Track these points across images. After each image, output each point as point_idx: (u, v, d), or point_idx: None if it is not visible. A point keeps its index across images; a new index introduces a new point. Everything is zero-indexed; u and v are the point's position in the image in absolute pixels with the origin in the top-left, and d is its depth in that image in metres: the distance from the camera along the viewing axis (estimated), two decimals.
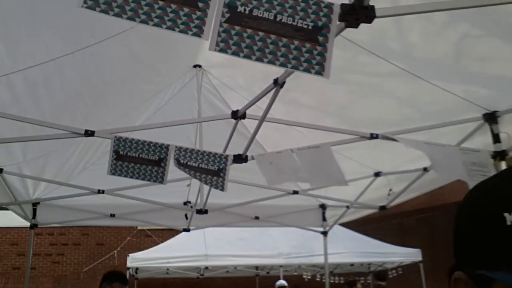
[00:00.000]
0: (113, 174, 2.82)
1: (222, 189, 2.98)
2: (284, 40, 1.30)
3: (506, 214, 0.55)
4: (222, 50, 1.28)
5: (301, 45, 1.30)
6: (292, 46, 1.30)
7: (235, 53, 1.29)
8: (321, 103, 3.39)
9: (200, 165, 2.93)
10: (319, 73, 1.30)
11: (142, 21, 1.28)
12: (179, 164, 2.87)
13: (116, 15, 1.26)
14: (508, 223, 0.55)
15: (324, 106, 3.43)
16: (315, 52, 1.31)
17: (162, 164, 2.87)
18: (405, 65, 2.70)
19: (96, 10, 1.26)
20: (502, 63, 2.61)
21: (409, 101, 3.20)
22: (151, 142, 2.85)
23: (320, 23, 1.30)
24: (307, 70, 1.31)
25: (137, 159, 2.83)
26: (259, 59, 1.30)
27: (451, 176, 3.17)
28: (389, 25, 2.33)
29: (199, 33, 1.30)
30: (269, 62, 1.31)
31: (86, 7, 1.25)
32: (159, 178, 2.88)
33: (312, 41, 1.30)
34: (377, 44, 2.55)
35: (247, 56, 1.30)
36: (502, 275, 0.54)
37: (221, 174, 2.97)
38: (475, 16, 2.14)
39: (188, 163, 2.89)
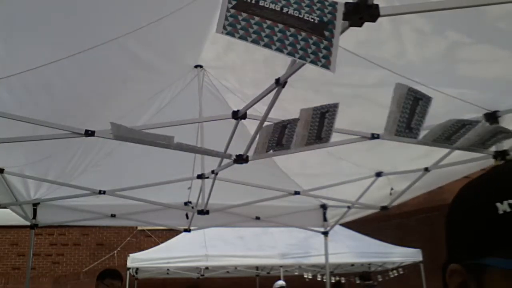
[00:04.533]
0: (117, 139, 2.77)
1: None
2: (292, 30, 1.30)
3: (498, 204, 0.59)
4: (229, 33, 1.28)
5: (308, 36, 1.30)
6: (300, 37, 1.30)
7: (242, 37, 1.29)
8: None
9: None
10: (326, 66, 1.30)
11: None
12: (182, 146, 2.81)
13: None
14: (500, 212, 0.58)
15: None
16: (321, 46, 1.30)
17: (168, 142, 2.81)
18: (396, 70, 2.69)
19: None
20: (494, 66, 2.61)
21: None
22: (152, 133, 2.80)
23: (325, 19, 1.30)
24: (314, 62, 1.30)
25: (140, 140, 2.79)
26: (267, 46, 1.30)
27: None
28: (376, 34, 2.33)
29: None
30: (277, 49, 1.30)
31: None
32: (166, 144, 2.81)
33: (318, 34, 1.30)
34: (361, 53, 2.55)
35: (255, 41, 1.30)
36: (494, 260, 0.58)
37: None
38: (462, 24, 2.16)
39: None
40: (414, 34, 2.35)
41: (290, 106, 3.32)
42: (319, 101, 3.18)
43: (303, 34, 1.30)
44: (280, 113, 3.13)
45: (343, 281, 10.52)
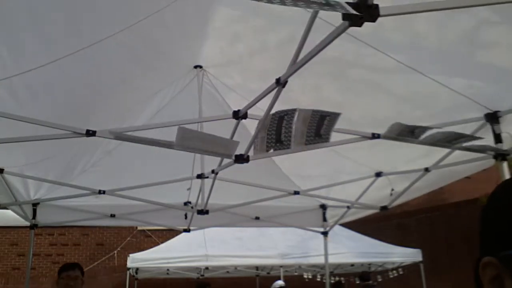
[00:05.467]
0: (117, 139, 2.76)
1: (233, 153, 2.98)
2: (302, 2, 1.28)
3: None
4: None
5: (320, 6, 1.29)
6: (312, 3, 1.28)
7: None
8: (317, 101, 3.36)
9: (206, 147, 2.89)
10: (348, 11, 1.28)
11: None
12: (184, 139, 2.80)
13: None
14: None
15: (319, 105, 3.39)
16: (337, 9, 1.29)
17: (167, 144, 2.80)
18: (408, 57, 2.66)
19: None
20: (509, 50, 2.55)
21: (409, 98, 3.17)
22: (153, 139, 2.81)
23: (332, 2, 1.29)
24: (334, 10, 1.29)
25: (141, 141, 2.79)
26: (281, 2, 1.28)
27: None
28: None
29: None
30: (292, 5, 1.29)
31: None
32: (167, 144, 2.80)
33: (329, 6, 1.29)
34: (379, 36, 2.50)
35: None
36: None
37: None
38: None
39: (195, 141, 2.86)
40: (435, 13, 2.27)
41: (301, 97, 3.28)
42: (331, 89, 3.14)
43: (315, 5, 1.28)
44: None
45: (343, 281, 10.51)
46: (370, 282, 7.77)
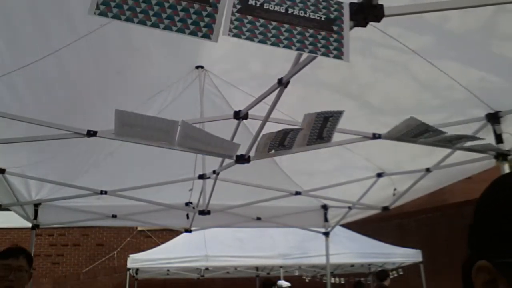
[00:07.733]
0: (119, 136, 2.72)
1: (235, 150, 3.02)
2: (299, 28, 1.29)
3: None
4: (236, 35, 1.28)
5: (316, 33, 1.29)
6: (307, 34, 1.29)
7: (249, 39, 1.28)
8: (346, 80, 3.28)
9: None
10: (338, 57, 1.29)
11: (152, 25, 1.25)
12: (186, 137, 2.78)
13: (127, 19, 1.23)
14: None
15: (348, 85, 3.33)
16: (331, 39, 1.29)
17: (171, 132, 2.77)
18: (434, 39, 2.62)
19: (108, 16, 1.22)
20: None
21: (429, 85, 3.08)
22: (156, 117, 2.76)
23: (332, 16, 1.30)
24: (325, 55, 1.29)
25: (143, 127, 2.74)
26: (274, 44, 1.29)
27: None
28: None
29: (208, 34, 1.29)
30: (285, 47, 1.29)
31: (99, 14, 1.22)
32: (169, 140, 2.78)
33: (327, 30, 1.29)
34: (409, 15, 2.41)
35: (262, 41, 1.29)
36: None
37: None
38: None
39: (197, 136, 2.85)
40: None
41: (328, 75, 3.20)
42: (362, 65, 3.08)
43: (311, 31, 1.29)
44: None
45: (362, 281, 10.42)
46: (385, 283, 7.65)
